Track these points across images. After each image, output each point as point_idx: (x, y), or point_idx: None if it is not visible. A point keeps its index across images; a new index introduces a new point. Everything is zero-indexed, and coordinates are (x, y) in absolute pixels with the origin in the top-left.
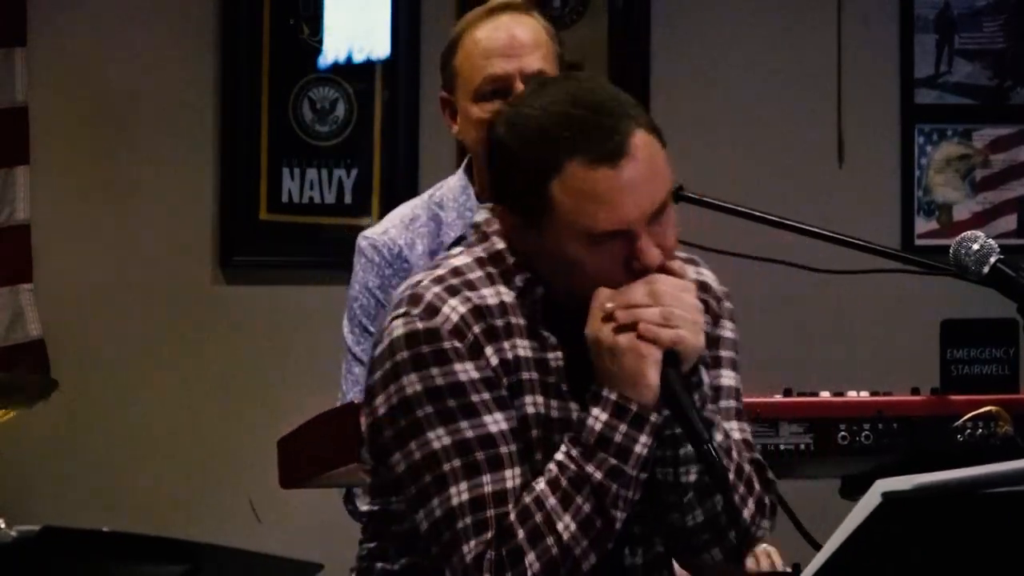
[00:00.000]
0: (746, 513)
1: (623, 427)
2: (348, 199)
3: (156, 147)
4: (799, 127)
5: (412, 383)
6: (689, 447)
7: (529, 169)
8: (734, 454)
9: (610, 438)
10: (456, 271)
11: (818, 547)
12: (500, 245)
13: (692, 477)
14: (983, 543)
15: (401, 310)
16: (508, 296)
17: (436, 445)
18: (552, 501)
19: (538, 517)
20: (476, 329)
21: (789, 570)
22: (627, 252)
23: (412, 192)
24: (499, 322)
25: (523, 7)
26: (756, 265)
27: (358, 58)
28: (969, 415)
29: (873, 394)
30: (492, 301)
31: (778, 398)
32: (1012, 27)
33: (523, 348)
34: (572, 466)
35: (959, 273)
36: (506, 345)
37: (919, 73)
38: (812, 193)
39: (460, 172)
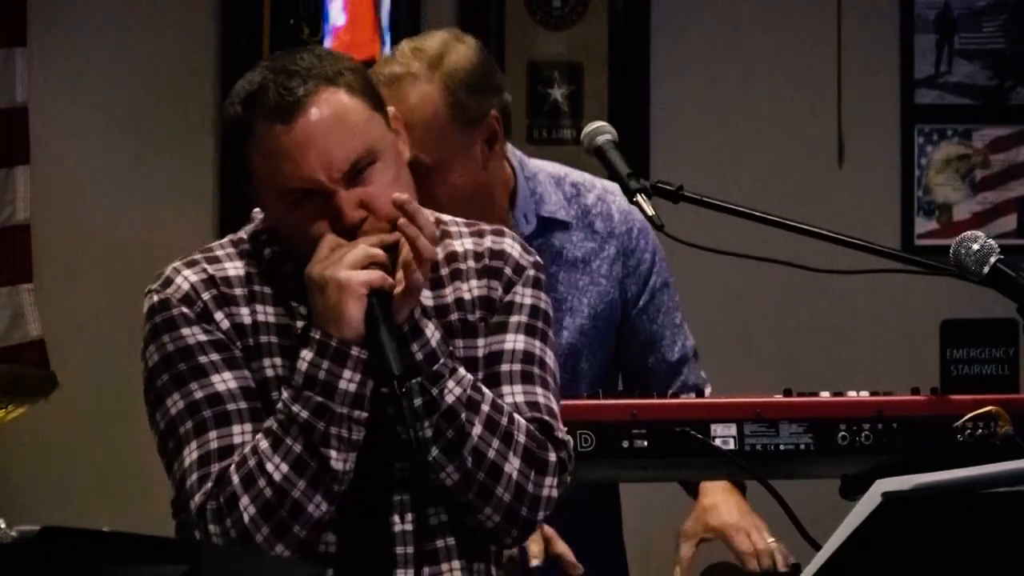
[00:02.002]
0: (508, 468)
1: (325, 363)
2: None
3: (156, 147)
4: (799, 127)
5: (151, 354)
6: (417, 400)
7: (233, 135)
8: (485, 407)
9: (314, 376)
10: (206, 250)
11: (818, 547)
12: (259, 226)
13: (428, 432)
14: (983, 543)
15: (147, 288)
16: (256, 269)
17: (173, 411)
18: (264, 445)
19: (251, 462)
20: (206, 296)
21: (789, 570)
22: (329, 212)
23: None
24: (238, 291)
25: (419, 71)
26: (756, 265)
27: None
28: (969, 415)
29: (873, 394)
30: (233, 272)
31: (778, 398)
32: (1012, 27)
33: (264, 314)
34: (283, 409)
35: (959, 273)
36: (243, 311)
37: (919, 73)
38: (812, 193)
39: None
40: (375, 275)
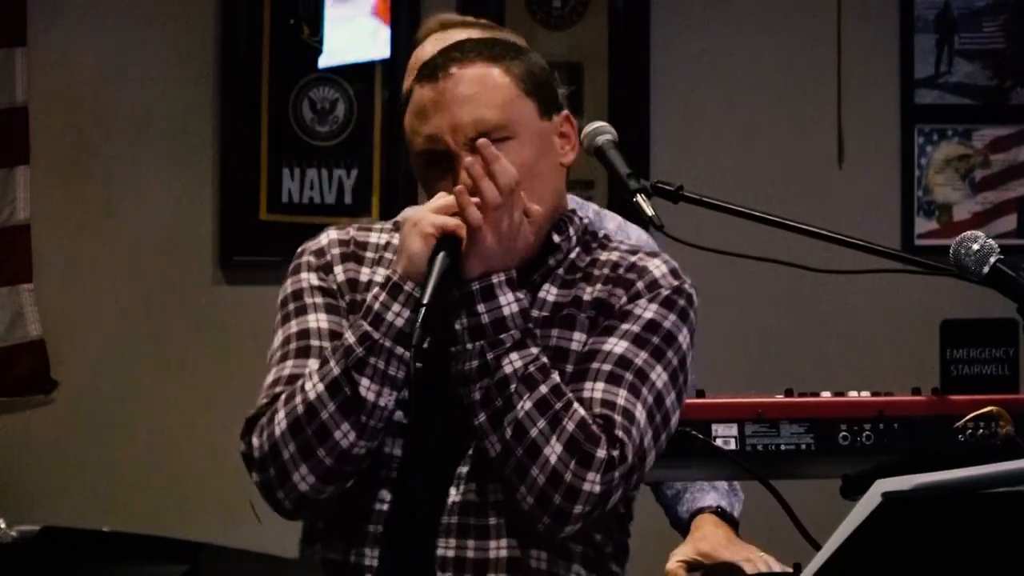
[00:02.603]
0: (548, 450)
1: (382, 295)
2: (348, 199)
3: (156, 147)
4: (799, 127)
5: (281, 292)
6: (474, 363)
7: (403, 107)
8: (543, 388)
9: (370, 305)
10: (371, 221)
11: (818, 547)
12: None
13: (477, 394)
14: (983, 543)
15: None
16: (396, 240)
17: (275, 343)
18: (313, 365)
19: (298, 383)
20: (335, 251)
21: (790, 570)
22: (452, 177)
23: (412, 192)
24: (369, 254)
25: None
26: (756, 265)
27: (358, 58)
28: (970, 415)
29: (874, 394)
30: (374, 239)
31: (779, 398)
32: (1012, 27)
33: (381, 276)
34: (342, 339)
35: (959, 273)
36: (364, 270)
37: (919, 73)
38: (812, 193)
39: None
40: (446, 219)
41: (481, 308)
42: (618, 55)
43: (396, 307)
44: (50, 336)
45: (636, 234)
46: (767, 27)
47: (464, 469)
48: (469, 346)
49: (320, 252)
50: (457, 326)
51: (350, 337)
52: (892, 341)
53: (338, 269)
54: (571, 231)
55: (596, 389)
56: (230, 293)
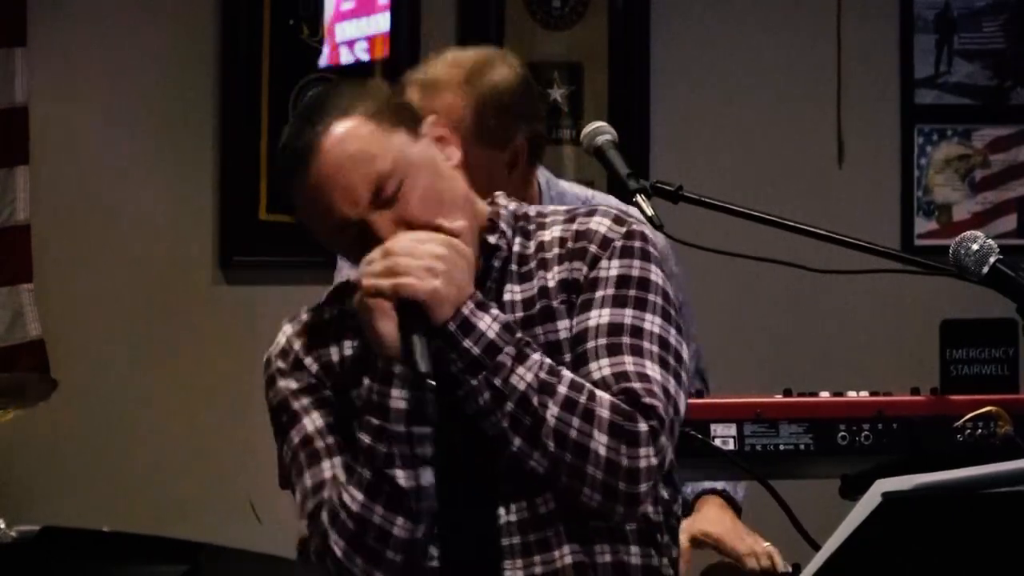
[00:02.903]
0: (595, 444)
1: (376, 385)
2: None
3: (156, 147)
4: (799, 127)
5: (269, 405)
6: (486, 395)
7: (284, 198)
8: (561, 388)
9: (370, 399)
10: (324, 299)
11: (818, 547)
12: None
13: (505, 421)
14: (983, 543)
15: None
16: (350, 307)
17: (285, 459)
18: (343, 477)
19: (335, 497)
20: (297, 345)
21: (789, 570)
22: (371, 240)
23: None
24: (329, 331)
25: (451, 80)
26: (756, 265)
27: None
28: (969, 415)
29: (873, 394)
30: (328, 315)
31: (778, 398)
32: (1012, 27)
33: (350, 348)
34: (357, 439)
35: (959, 273)
36: (332, 350)
37: (919, 73)
38: (812, 193)
39: None
40: (390, 284)
41: (468, 343)
42: (618, 55)
43: (395, 392)
44: (50, 336)
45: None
46: (767, 27)
47: (506, 488)
48: (474, 382)
49: (284, 354)
50: (453, 369)
51: (365, 438)
52: (891, 341)
53: (307, 361)
54: (503, 225)
55: (603, 367)
56: (230, 293)
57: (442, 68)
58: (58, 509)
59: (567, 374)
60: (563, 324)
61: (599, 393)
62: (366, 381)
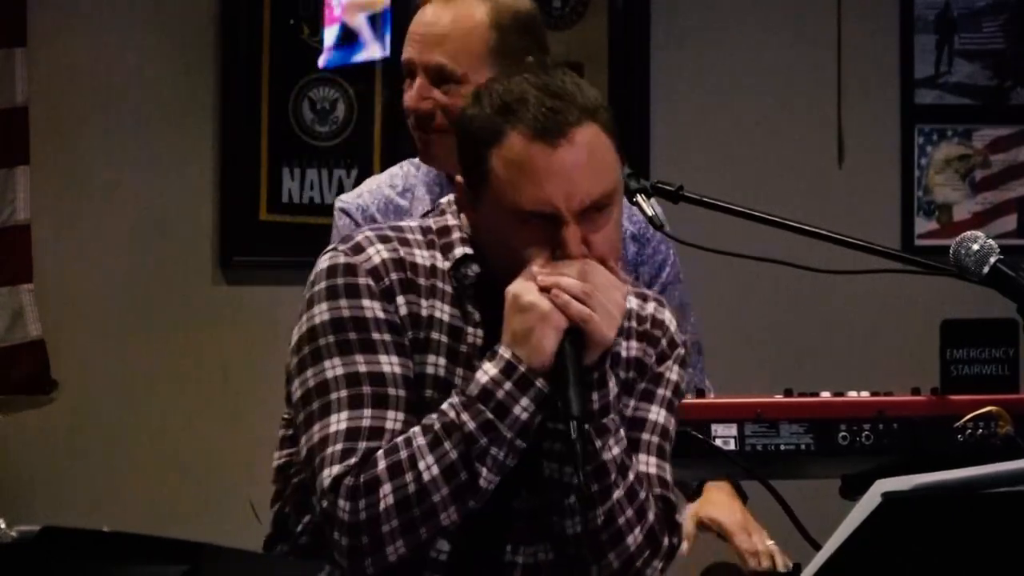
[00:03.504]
0: (630, 540)
1: (507, 384)
2: None
3: (156, 147)
4: (799, 127)
5: (322, 312)
6: (577, 448)
7: (477, 136)
8: (631, 475)
9: (492, 392)
10: (396, 228)
11: (818, 547)
12: (452, 221)
13: (574, 479)
14: (983, 543)
15: (331, 247)
16: (442, 264)
17: (329, 374)
18: (421, 441)
19: (403, 453)
20: (394, 276)
21: (789, 570)
22: (554, 239)
23: None
24: (423, 281)
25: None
26: (756, 265)
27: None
28: (970, 415)
29: (873, 394)
30: (421, 261)
31: (778, 398)
32: (1012, 27)
33: (441, 311)
34: (450, 413)
35: (959, 273)
36: (423, 302)
37: (919, 73)
38: (812, 193)
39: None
40: (579, 311)
41: (595, 396)
42: (618, 55)
43: (524, 402)
44: (50, 336)
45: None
46: (767, 27)
47: (518, 527)
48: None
49: (376, 274)
50: (560, 404)
51: (469, 422)
52: (892, 341)
53: (400, 300)
54: None
55: (650, 464)
56: (230, 293)
57: None
58: (58, 509)
59: (635, 462)
60: (631, 403)
61: (650, 497)
62: (487, 366)
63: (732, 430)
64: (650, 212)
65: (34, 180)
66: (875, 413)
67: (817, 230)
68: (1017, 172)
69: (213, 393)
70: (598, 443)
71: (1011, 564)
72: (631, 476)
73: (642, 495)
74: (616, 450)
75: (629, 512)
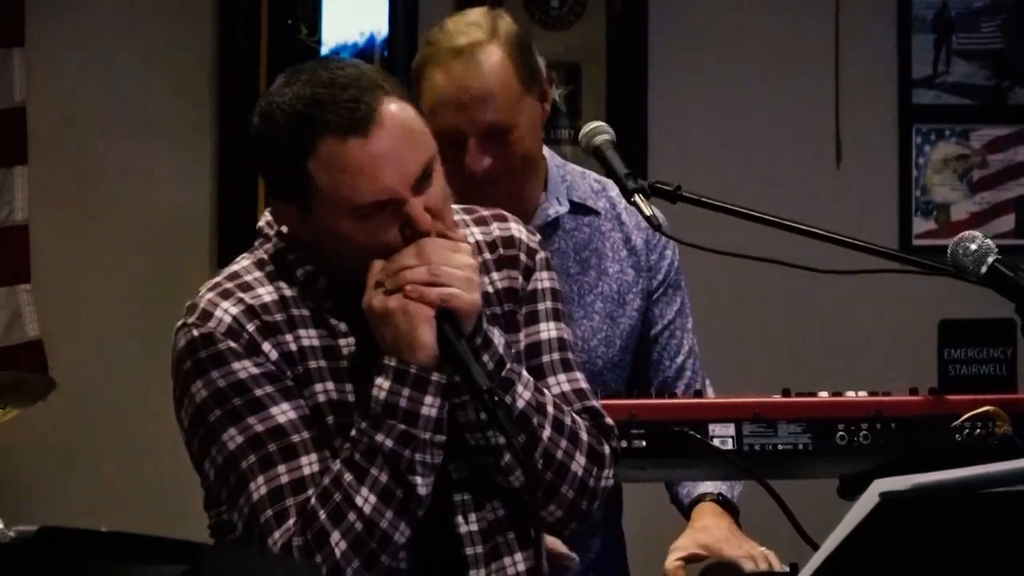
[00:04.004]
0: (575, 467)
1: (406, 391)
2: None
3: (154, 148)
4: (797, 127)
5: (199, 390)
6: (501, 416)
7: (286, 154)
8: (550, 408)
9: (395, 404)
10: (232, 275)
11: (816, 547)
12: (280, 244)
13: (502, 439)
14: (981, 543)
15: (180, 321)
16: (289, 291)
17: (231, 446)
18: (348, 477)
19: (337, 496)
20: (250, 327)
21: (787, 570)
22: (398, 221)
23: None
24: (278, 316)
25: (488, 46)
26: (754, 265)
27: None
28: (968, 415)
29: (871, 394)
30: (269, 299)
31: (776, 398)
32: (1010, 27)
33: (308, 338)
34: (363, 439)
35: (957, 273)
36: (288, 338)
37: (917, 73)
38: (810, 193)
39: None
40: (438, 294)
41: (485, 357)
42: (616, 55)
43: (428, 399)
44: (48, 336)
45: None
46: (765, 27)
47: (463, 497)
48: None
49: (233, 333)
50: (458, 379)
51: (386, 440)
52: (890, 341)
53: (266, 347)
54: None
55: (561, 382)
56: None
57: (465, 32)
58: (56, 509)
59: (548, 392)
60: (521, 336)
61: (575, 415)
62: (380, 380)
63: (730, 430)
64: (648, 212)
65: (32, 180)
66: (873, 413)
67: (815, 230)
68: (1015, 172)
69: None
70: (508, 398)
71: (1009, 564)
72: (550, 409)
73: (567, 420)
74: (527, 394)
75: (563, 443)
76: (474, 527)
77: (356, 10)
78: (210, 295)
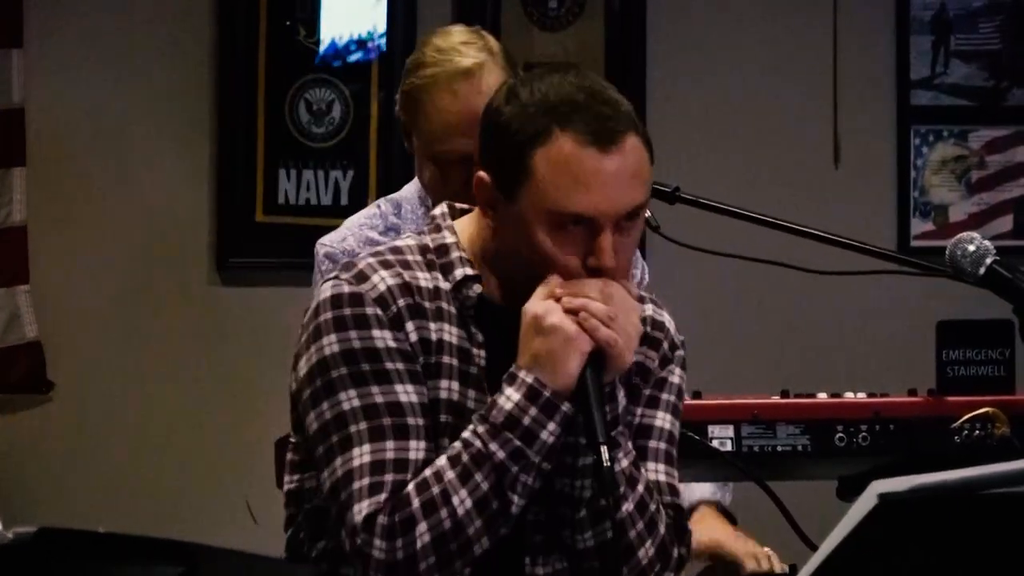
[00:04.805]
0: (642, 553)
1: (533, 410)
2: (344, 200)
3: (152, 149)
4: (795, 128)
5: (331, 343)
6: (589, 459)
7: (519, 134)
8: (640, 487)
9: (518, 419)
10: (396, 250)
11: (814, 548)
12: (450, 239)
13: (587, 492)
14: (980, 544)
15: (333, 274)
16: (444, 284)
17: (346, 406)
18: (451, 475)
19: (435, 489)
20: (401, 302)
21: (787, 571)
22: (587, 245)
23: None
24: (428, 304)
25: (486, 67)
26: (752, 266)
27: (354, 59)
28: (966, 416)
29: (870, 395)
30: (425, 284)
31: (775, 399)
32: (1008, 28)
33: (449, 334)
34: (476, 443)
35: (955, 274)
36: (432, 326)
37: (915, 74)
38: (808, 194)
39: (416, 181)
40: (607, 335)
41: (608, 408)
42: (614, 56)
43: (551, 426)
44: (46, 337)
45: None
46: (763, 28)
47: (536, 539)
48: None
49: (383, 302)
50: (585, 428)
51: (499, 451)
52: (888, 342)
53: (409, 327)
54: None
55: (659, 471)
56: (226, 295)
57: (467, 52)
58: (54, 510)
59: (644, 472)
60: (638, 411)
61: (661, 505)
62: (509, 391)
63: (729, 431)
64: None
65: (30, 181)
66: (871, 414)
67: (813, 231)
68: (1013, 173)
69: (209, 394)
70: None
71: (1008, 565)
72: (640, 488)
73: (652, 507)
74: (625, 462)
75: (640, 525)
76: (539, 570)
77: (354, 12)
78: (371, 260)
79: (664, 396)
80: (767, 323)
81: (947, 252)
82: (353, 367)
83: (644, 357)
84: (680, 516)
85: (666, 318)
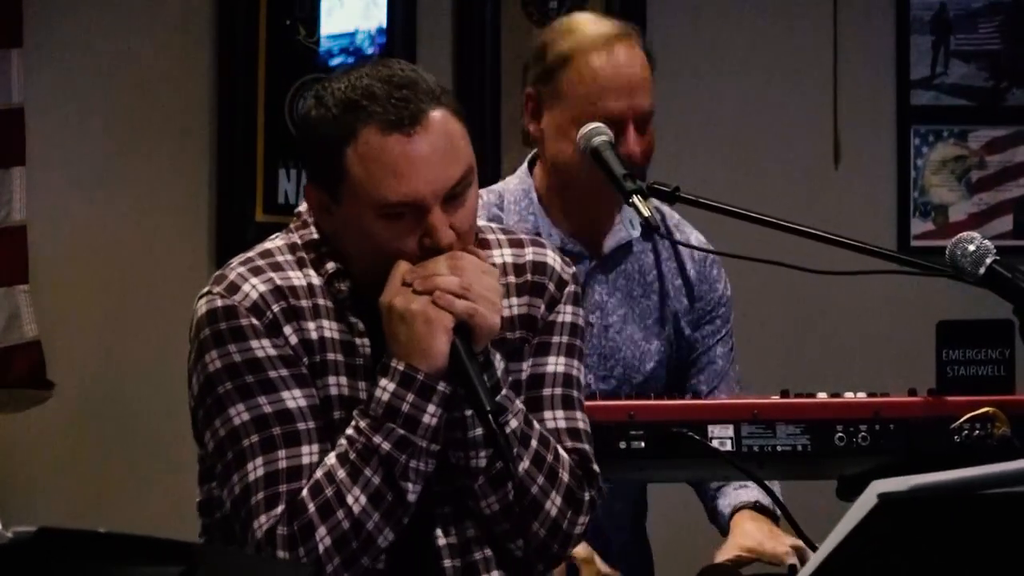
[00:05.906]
0: (548, 505)
1: (410, 396)
2: None
3: (152, 148)
4: (795, 128)
5: (212, 360)
6: (479, 430)
7: (328, 138)
8: (534, 443)
9: (398, 408)
10: (265, 253)
11: (814, 548)
12: (315, 235)
13: (482, 462)
14: (979, 544)
15: (205, 289)
16: (317, 279)
17: (236, 421)
18: (342, 474)
19: (329, 491)
20: (275, 308)
21: (786, 571)
22: (420, 229)
23: None
24: (304, 303)
25: (635, 37)
26: (752, 266)
27: (354, 59)
28: (966, 416)
29: (870, 395)
30: (298, 283)
31: (775, 399)
32: (1008, 28)
33: (329, 330)
34: (360, 438)
35: (955, 274)
36: (310, 325)
37: (915, 74)
38: (808, 194)
39: (522, 173)
40: (464, 307)
41: (485, 376)
42: None
43: (431, 408)
44: (46, 337)
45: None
46: (763, 28)
47: (444, 510)
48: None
49: (257, 310)
50: (468, 401)
51: (384, 443)
52: (888, 342)
53: (287, 331)
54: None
55: (558, 418)
56: None
57: (607, 23)
58: (54, 509)
59: (537, 426)
60: (526, 365)
61: (561, 453)
62: (384, 382)
63: (729, 431)
64: (646, 213)
65: (30, 181)
66: (871, 414)
67: (813, 231)
68: (1013, 173)
69: None
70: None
71: (1008, 565)
72: (534, 443)
73: (549, 458)
74: (514, 423)
75: (540, 479)
76: (452, 540)
77: (354, 11)
78: (240, 269)
79: (555, 339)
80: (767, 323)
81: (947, 252)
82: (238, 380)
83: (528, 307)
84: (584, 459)
85: (549, 257)
